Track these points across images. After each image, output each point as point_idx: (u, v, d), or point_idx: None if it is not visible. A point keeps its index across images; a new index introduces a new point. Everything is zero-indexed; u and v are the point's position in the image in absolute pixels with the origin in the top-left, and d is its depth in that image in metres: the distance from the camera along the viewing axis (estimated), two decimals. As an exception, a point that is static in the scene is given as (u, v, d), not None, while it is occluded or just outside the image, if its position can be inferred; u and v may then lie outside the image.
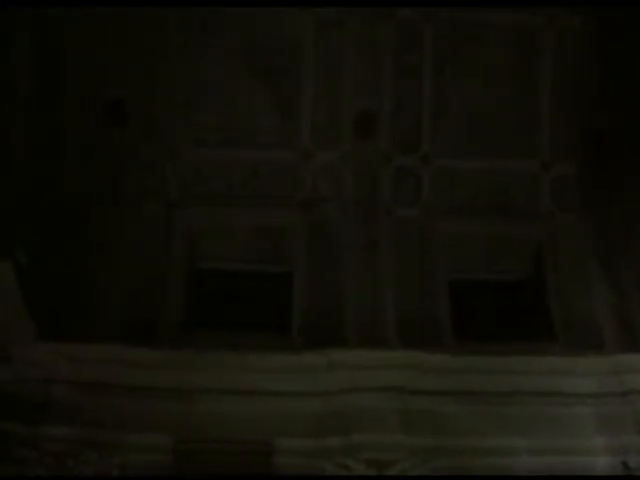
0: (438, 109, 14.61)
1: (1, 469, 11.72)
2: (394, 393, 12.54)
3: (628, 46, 14.24)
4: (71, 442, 11.85)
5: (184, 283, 13.73)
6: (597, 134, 14.46)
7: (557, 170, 14.56)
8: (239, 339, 12.93)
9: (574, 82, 14.67)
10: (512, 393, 12.62)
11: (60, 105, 13.74)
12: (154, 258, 13.56)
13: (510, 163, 14.55)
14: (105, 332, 12.68)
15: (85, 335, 12.45)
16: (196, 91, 14.35)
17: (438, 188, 14.42)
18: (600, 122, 14.45)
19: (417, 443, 12.31)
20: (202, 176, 14.21)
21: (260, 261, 14.08)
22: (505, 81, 14.73)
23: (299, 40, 14.56)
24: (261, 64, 14.49)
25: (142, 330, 12.86)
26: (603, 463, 12.29)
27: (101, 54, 14.00)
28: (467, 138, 14.59)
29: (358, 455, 12.15)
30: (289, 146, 14.41)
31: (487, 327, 13.60)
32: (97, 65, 13.99)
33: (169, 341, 12.91)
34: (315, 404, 12.55)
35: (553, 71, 14.72)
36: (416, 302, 13.50)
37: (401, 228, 14.05)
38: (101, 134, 13.93)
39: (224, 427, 12.26)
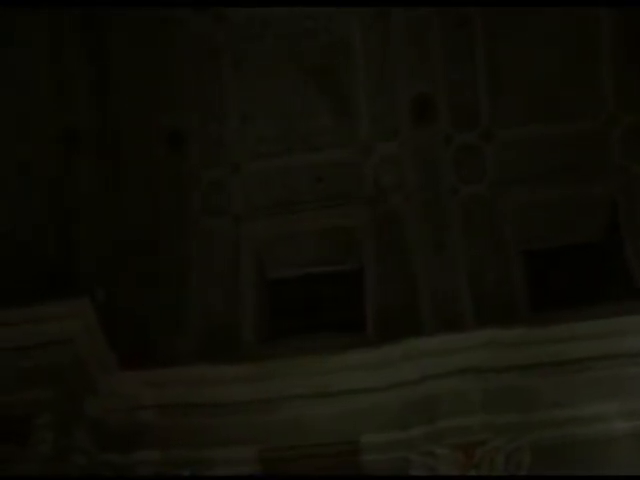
0: (493, 81, 14.37)
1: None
2: (474, 374, 12.41)
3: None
4: (163, 465, 12.30)
5: (257, 294, 13.97)
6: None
7: (625, 122, 14.10)
8: (316, 343, 13.08)
9: (635, 28, 14.18)
10: (595, 358, 12.30)
11: (117, 138, 14.20)
12: (225, 274, 13.84)
13: (574, 123, 14.18)
14: (185, 354, 13.09)
15: (166, 359, 12.88)
16: (249, 103, 14.58)
17: (502, 160, 14.17)
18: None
19: (502, 421, 12.18)
20: (265, 186, 14.42)
21: (329, 262, 14.17)
22: (561, 41, 14.37)
23: (345, 35, 14.61)
24: (310, 65, 14.59)
25: (221, 347, 13.21)
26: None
27: (151, 84, 14.43)
28: (526, 105, 14.26)
29: (443, 441, 12.13)
30: (348, 143, 14.45)
31: (565, 294, 13.33)
32: (149, 94, 14.41)
33: (248, 354, 13.18)
34: (396, 396, 12.56)
35: (612, 20, 14.27)
36: (490, 278, 13.33)
37: (468, 206, 13.88)
38: (161, 162, 14.32)
39: (308, 431, 12.42)
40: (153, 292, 13.53)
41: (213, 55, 14.68)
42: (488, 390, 12.38)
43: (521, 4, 14.09)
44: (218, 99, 14.57)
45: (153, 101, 14.43)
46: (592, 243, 13.94)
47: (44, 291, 12.85)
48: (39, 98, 14.23)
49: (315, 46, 14.63)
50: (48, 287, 12.96)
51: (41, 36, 14.18)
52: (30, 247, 13.72)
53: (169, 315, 13.46)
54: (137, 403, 12.67)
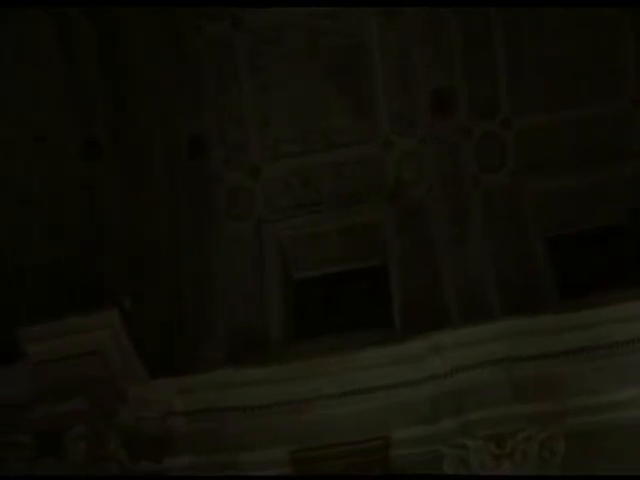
0: (512, 69, 14.29)
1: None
2: (503, 364, 12.30)
3: None
4: (194, 469, 12.33)
5: (283, 296, 13.97)
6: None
7: None
8: (343, 341, 13.04)
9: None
10: (624, 342, 12.17)
11: (138, 147, 14.30)
12: (250, 277, 13.89)
13: (595, 107, 14.04)
14: (213, 358, 13.12)
15: (194, 365, 12.92)
16: (268, 106, 14.62)
17: (523, 149, 14.11)
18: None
19: (534, 410, 12.04)
20: (286, 188, 14.45)
21: (354, 260, 14.13)
22: (579, 25, 14.23)
23: (361, 32, 14.59)
24: (327, 65, 14.61)
25: (248, 349, 13.24)
26: None
27: (170, 91, 14.51)
28: (546, 92, 14.19)
29: (475, 432, 12.03)
30: (368, 140, 14.45)
31: (590, 279, 13.19)
32: (168, 102, 14.49)
33: (276, 355, 13.17)
34: (426, 389, 12.49)
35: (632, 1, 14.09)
36: (515, 267, 13.24)
37: (490, 197, 13.83)
38: (182, 168, 14.39)
39: (339, 430, 12.36)
40: (179, 299, 13.59)
41: (231, 60, 14.73)
42: (518, 379, 12.26)
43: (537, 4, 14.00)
44: (237, 103, 14.62)
45: (172, 108, 14.53)
46: (616, 227, 13.79)
47: (71, 303, 13.01)
48: (58, 112, 14.42)
49: (332, 45, 14.64)
50: (75, 299, 13.11)
51: (56, 48, 14.34)
52: (57, 260, 13.92)
53: (196, 321, 13.51)
54: (168, 410, 12.69)
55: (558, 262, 13.50)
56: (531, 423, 12.00)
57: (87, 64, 14.42)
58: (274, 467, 12.34)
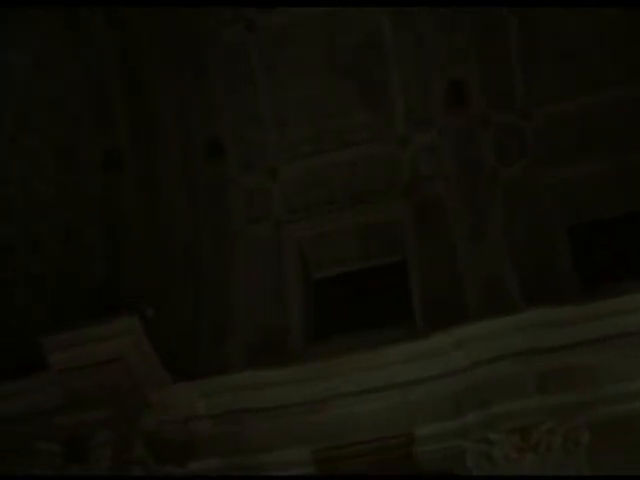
0: (528, 57, 14.15)
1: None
2: (526, 356, 12.13)
3: None
4: (218, 472, 12.34)
5: (302, 295, 13.93)
6: None
7: None
8: (365, 338, 13.00)
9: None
10: (648, 330, 12.02)
11: (156, 154, 14.36)
12: (270, 278, 13.86)
13: (612, 92, 13.84)
14: (234, 360, 13.15)
15: (216, 368, 12.94)
16: (283, 107, 14.61)
17: (542, 138, 13.93)
18: None
19: (557, 402, 11.88)
20: (304, 188, 14.43)
21: (372, 257, 14.08)
22: (596, 8, 14.04)
23: (374, 29, 14.55)
24: (341, 64, 14.59)
25: (269, 350, 13.23)
26: None
27: (186, 97, 14.56)
28: (564, 79, 14.02)
29: (498, 426, 11.89)
30: (384, 137, 14.40)
31: (612, 268, 13.00)
32: (184, 108, 14.54)
33: (297, 355, 13.18)
34: (449, 384, 12.38)
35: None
36: (535, 258, 13.07)
37: (509, 187, 13.65)
38: (200, 173, 14.43)
39: (362, 428, 12.30)
40: (199, 302, 13.64)
41: (245, 63, 14.79)
42: (541, 371, 12.11)
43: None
44: (253, 105, 14.65)
45: (189, 114, 14.59)
46: (637, 214, 13.53)
47: (93, 312, 13.11)
48: (78, 124, 14.56)
49: (345, 43, 14.64)
50: (97, 308, 13.20)
51: (74, 59, 14.48)
52: (78, 270, 14.05)
53: (217, 323, 13.55)
54: (191, 413, 12.73)
55: (579, 252, 13.32)
56: (555, 415, 11.84)
57: (105, 73, 14.52)
58: (297, 467, 12.33)
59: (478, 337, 12.34)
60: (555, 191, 13.66)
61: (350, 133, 14.44)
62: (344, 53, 14.63)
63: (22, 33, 14.77)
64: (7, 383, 13.29)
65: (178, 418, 12.72)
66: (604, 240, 13.51)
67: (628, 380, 11.85)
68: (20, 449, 12.93)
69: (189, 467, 12.45)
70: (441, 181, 14.00)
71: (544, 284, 12.84)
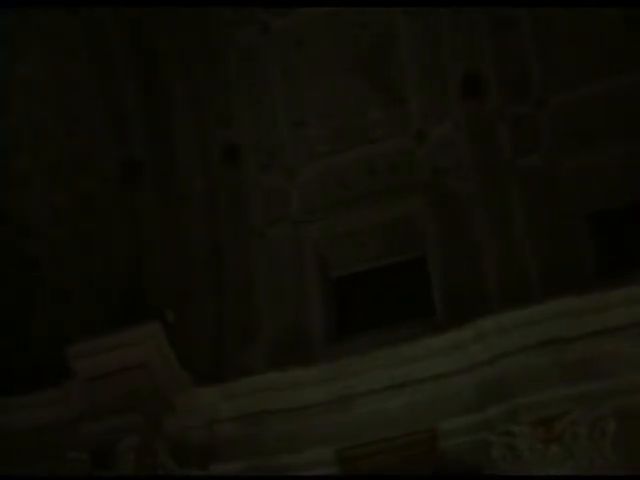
0: (543, 44, 13.98)
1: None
2: (549, 346, 12.01)
3: None
4: (242, 474, 12.34)
5: (323, 294, 13.87)
6: None
7: None
8: (386, 335, 12.92)
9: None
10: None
11: (174, 160, 14.40)
12: (290, 278, 13.81)
13: (629, 76, 13.62)
14: (257, 362, 13.13)
15: (239, 370, 12.95)
16: (299, 107, 14.58)
17: (558, 127, 13.69)
18: None
19: (581, 392, 11.73)
20: (321, 187, 14.36)
21: (392, 254, 13.94)
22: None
23: (388, 24, 14.46)
24: (356, 61, 14.52)
25: (292, 350, 13.20)
26: None
27: (202, 101, 14.58)
28: (579, 67, 13.81)
29: (522, 418, 11.77)
30: (401, 132, 14.26)
31: (636, 255, 12.77)
32: (201, 112, 14.55)
33: (319, 354, 13.13)
34: (472, 378, 12.29)
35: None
36: (556, 248, 12.90)
37: (527, 179, 13.43)
38: (219, 176, 14.44)
39: (385, 425, 12.26)
40: (221, 305, 13.64)
41: (261, 64, 14.74)
42: (564, 361, 11.97)
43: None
44: (269, 107, 14.60)
45: (206, 118, 14.59)
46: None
47: (116, 320, 13.18)
48: (96, 135, 14.65)
49: (359, 41, 14.54)
50: (119, 315, 13.28)
51: (90, 68, 14.58)
52: (100, 279, 14.14)
53: (238, 326, 13.54)
54: (214, 417, 12.76)
55: (600, 239, 13.13)
56: (580, 404, 11.70)
57: (121, 81, 14.60)
58: (321, 467, 12.30)
59: (500, 329, 12.24)
60: (574, 179, 13.43)
61: (367, 130, 14.33)
62: (358, 49, 14.53)
63: (39, 48, 14.85)
64: (35, 393, 13.42)
65: (201, 421, 12.75)
66: (625, 227, 13.28)
67: (650, 368, 11.65)
68: (49, 459, 13.03)
69: (212, 470, 12.44)
70: (459, 174, 13.85)
71: (566, 273, 12.66)
